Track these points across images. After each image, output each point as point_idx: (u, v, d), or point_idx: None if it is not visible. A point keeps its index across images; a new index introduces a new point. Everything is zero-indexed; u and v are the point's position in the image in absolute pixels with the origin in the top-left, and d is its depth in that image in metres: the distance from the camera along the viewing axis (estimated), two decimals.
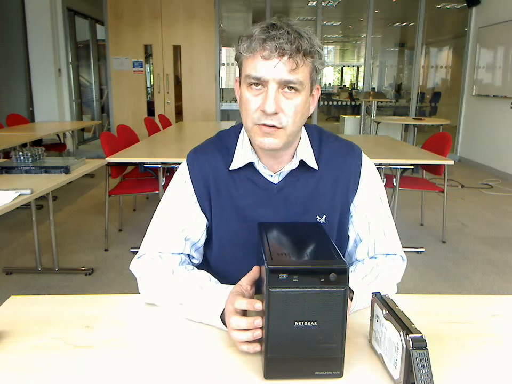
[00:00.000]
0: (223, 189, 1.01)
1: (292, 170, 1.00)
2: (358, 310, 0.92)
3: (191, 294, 0.89)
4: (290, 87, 0.86)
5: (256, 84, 0.87)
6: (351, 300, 0.87)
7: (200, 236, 1.04)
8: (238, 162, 0.99)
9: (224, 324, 0.82)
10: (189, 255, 1.05)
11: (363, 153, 1.06)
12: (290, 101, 0.87)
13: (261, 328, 0.73)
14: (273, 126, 0.88)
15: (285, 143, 0.92)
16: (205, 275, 0.95)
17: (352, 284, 0.88)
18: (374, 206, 1.04)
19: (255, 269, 0.84)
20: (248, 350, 0.75)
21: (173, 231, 1.01)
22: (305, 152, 0.99)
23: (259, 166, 1.00)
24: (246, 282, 0.82)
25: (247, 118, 0.91)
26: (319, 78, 0.93)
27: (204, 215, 1.03)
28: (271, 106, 0.85)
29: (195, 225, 1.03)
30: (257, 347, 0.74)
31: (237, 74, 0.95)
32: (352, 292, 0.88)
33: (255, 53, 0.85)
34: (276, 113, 0.87)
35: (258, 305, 0.73)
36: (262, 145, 0.91)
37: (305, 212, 1.00)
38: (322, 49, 0.89)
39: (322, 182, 1.01)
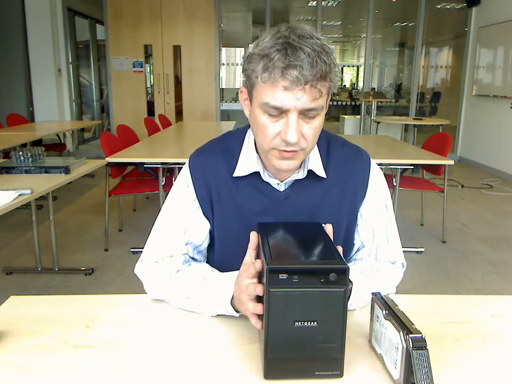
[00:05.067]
0: (226, 195, 0.98)
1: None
2: (358, 309, 0.92)
3: (197, 286, 0.90)
4: (312, 113, 0.82)
5: (275, 111, 0.82)
6: (350, 291, 0.86)
7: (203, 240, 1.03)
8: (242, 170, 0.96)
9: (235, 309, 0.83)
10: (191, 257, 1.04)
11: (371, 160, 1.03)
12: (310, 125, 0.83)
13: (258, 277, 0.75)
14: (294, 151, 0.85)
15: (302, 161, 0.92)
16: (206, 267, 0.96)
17: (351, 276, 0.87)
18: (379, 214, 1.02)
19: (253, 235, 0.82)
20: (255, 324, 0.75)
21: (175, 236, 1.00)
22: (314, 161, 0.96)
23: (264, 175, 0.96)
24: (249, 258, 0.81)
25: (263, 142, 0.87)
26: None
27: (206, 219, 1.01)
28: (294, 137, 0.81)
29: (198, 230, 1.01)
30: (258, 324, 0.75)
31: (239, 76, 0.91)
32: (351, 282, 0.86)
33: (274, 82, 0.79)
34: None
35: (258, 265, 0.74)
36: (280, 168, 0.89)
37: (311, 219, 0.97)
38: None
39: (330, 190, 0.98)
